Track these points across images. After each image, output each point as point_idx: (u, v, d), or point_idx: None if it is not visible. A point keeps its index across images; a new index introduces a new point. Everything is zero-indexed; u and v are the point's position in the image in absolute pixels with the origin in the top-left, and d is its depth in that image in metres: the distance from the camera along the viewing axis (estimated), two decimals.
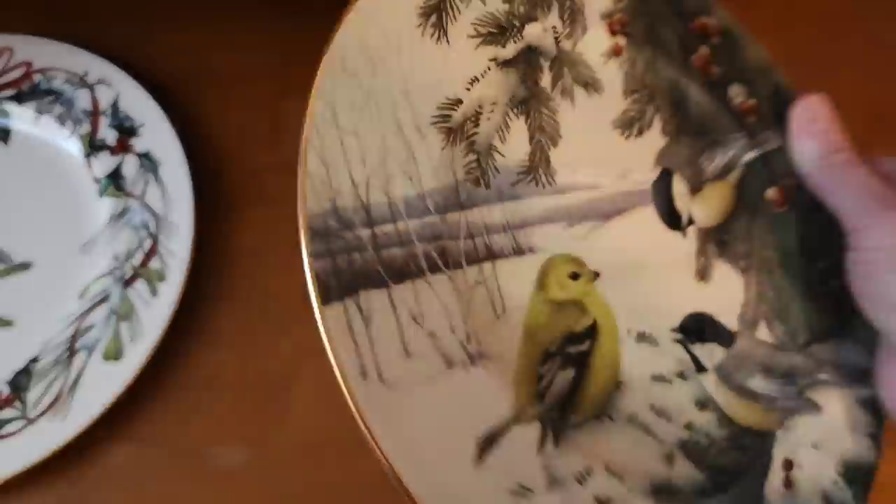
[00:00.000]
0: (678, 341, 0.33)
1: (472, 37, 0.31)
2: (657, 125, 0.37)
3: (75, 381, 0.40)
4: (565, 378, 0.29)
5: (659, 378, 0.32)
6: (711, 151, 0.38)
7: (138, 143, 0.45)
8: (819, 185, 0.32)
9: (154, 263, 0.42)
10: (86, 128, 0.46)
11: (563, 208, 0.32)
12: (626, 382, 0.31)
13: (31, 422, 0.39)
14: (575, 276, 0.31)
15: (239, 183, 0.46)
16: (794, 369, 0.35)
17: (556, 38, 0.34)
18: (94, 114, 0.46)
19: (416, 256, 0.26)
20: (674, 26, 0.38)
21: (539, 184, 0.32)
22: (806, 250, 0.37)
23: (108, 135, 0.46)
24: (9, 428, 0.39)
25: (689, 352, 0.33)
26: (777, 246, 0.37)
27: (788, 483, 0.32)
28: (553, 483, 0.26)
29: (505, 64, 0.32)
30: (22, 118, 0.47)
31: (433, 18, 0.30)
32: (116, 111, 0.46)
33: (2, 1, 0.51)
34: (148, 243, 0.43)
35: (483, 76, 0.31)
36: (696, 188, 0.37)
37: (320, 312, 0.23)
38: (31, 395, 0.40)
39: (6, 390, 0.40)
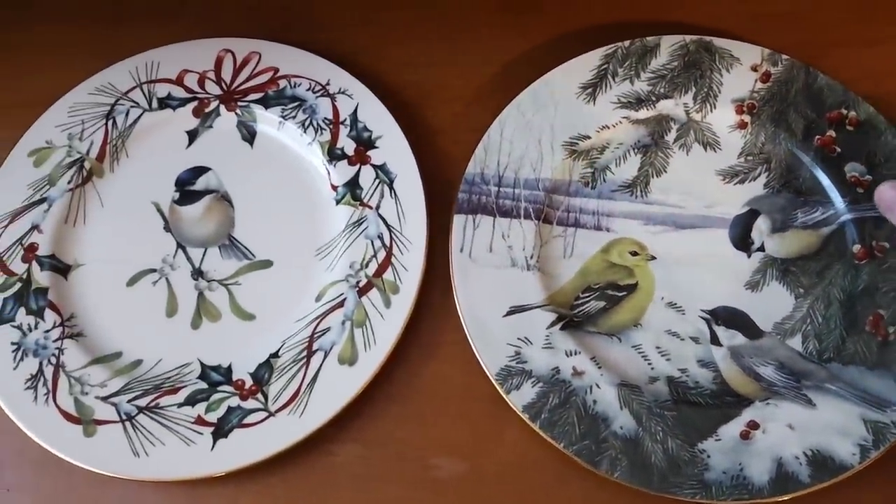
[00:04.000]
0: (703, 318, 0.46)
1: (613, 102, 0.51)
2: (762, 180, 0.49)
3: (313, 381, 0.41)
4: (596, 306, 0.46)
5: (674, 334, 0.46)
6: (811, 207, 0.48)
7: (375, 155, 0.47)
8: None
9: (388, 275, 0.44)
10: (326, 136, 0.47)
11: (645, 212, 0.49)
12: (644, 325, 0.46)
13: (271, 415, 0.41)
14: (634, 254, 0.48)
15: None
16: (807, 374, 0.44)
17: (686, 111, 0.51)
18: (334, 123, 0.47)
19: (518, 208, 0.48)
20: (805, 114, 0.50)
21: (634, 195, 0.49)
22: (868, 297, 0.45)
23: (347, 144, 0.47)
24: (252, 418, 0.41)
25: (710, 328, 0.45)
26: (844, 288, 0.46)
27: (745, 435, 0.42)
28: (548, 346, 0.44)
29: (636, 122, 0.51)
30: (267, 122, 0.49)
31: (589, 90, 0.51)
32: (356, 122, 0.47)
33: (246, 9, 0.54)
34: (382, 254, 0.44)
35: (614, 126, 0.50)
36: (780, 230, 0.48)
37: (453, 217, 0.47)
38: (272, 388, 0.41)
39: (249, 381, 0.42)
